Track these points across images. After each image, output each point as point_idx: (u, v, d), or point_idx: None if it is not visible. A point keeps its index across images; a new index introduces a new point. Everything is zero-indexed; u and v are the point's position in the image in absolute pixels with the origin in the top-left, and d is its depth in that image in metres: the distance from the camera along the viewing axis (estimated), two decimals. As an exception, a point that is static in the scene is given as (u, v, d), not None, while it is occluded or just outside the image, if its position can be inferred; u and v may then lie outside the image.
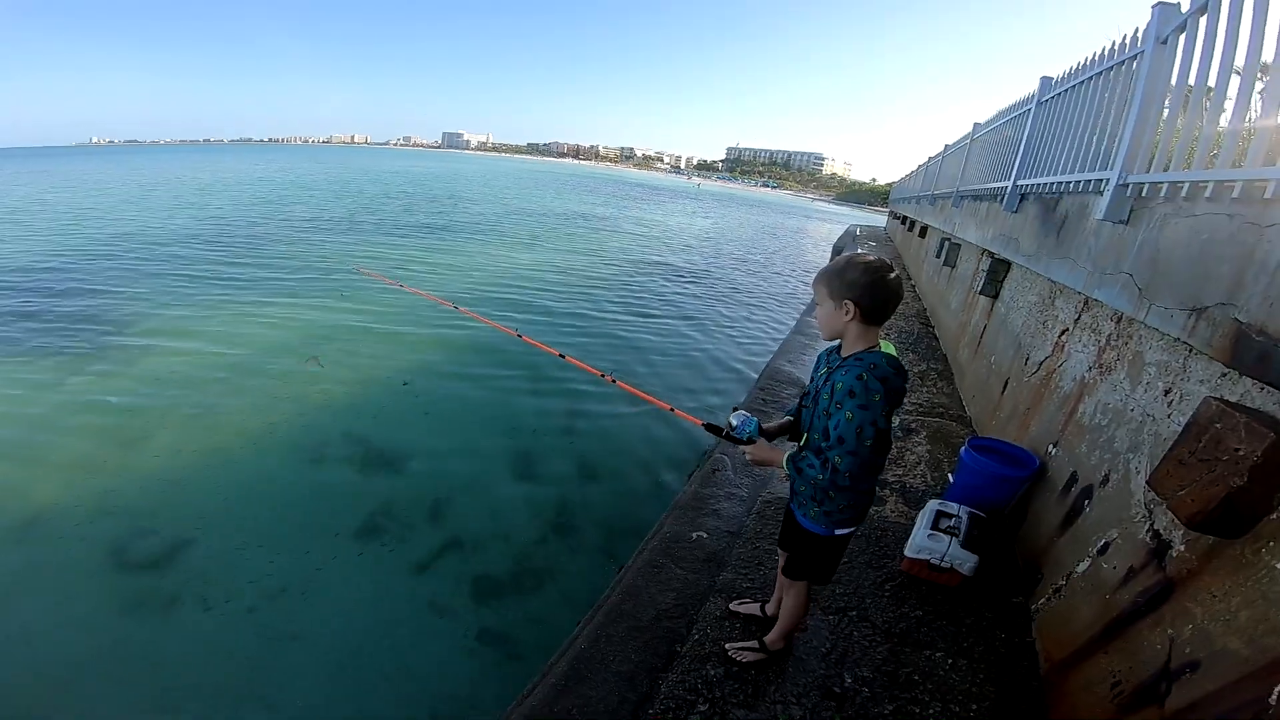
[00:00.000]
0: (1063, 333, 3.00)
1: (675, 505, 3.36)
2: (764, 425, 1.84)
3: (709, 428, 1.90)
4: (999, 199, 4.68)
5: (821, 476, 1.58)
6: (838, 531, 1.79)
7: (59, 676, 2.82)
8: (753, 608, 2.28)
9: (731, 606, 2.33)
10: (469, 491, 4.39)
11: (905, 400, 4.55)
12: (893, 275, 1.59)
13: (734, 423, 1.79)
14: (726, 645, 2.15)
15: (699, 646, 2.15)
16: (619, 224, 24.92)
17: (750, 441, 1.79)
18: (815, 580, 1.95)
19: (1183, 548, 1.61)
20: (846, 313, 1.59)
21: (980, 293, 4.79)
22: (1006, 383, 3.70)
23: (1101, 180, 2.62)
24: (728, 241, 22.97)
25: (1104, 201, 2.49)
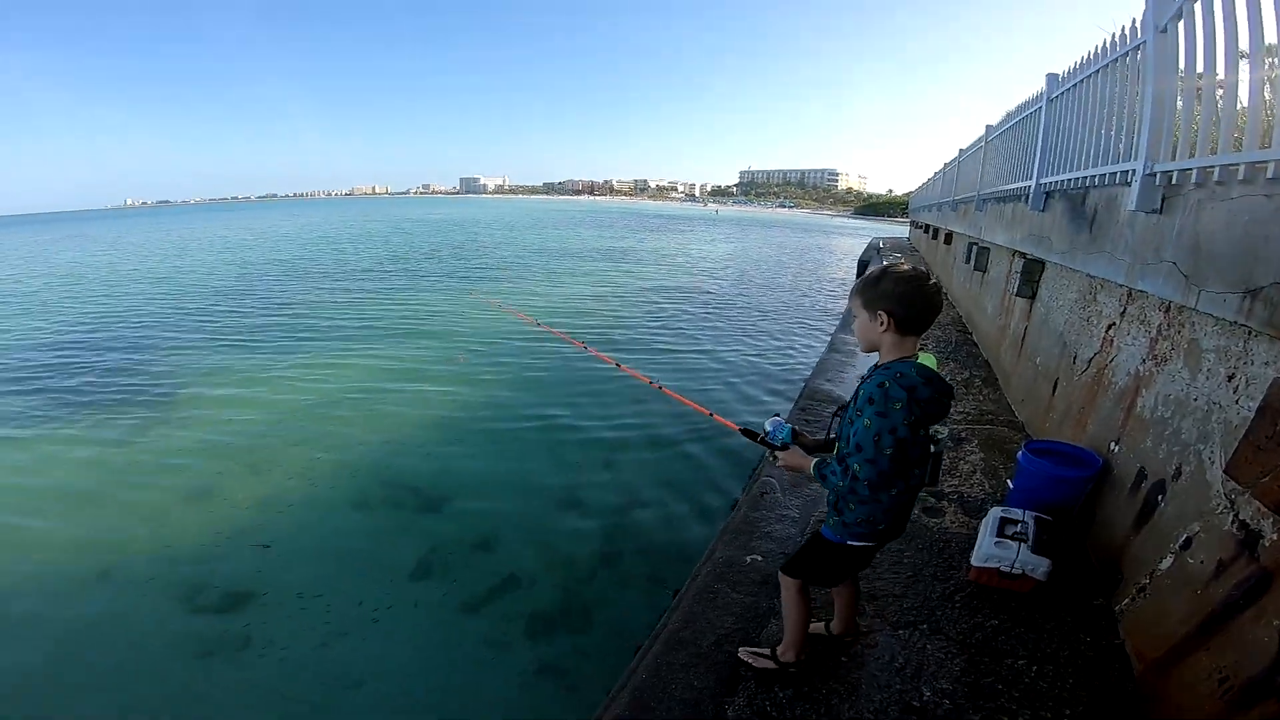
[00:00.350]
0: (1109, 327, 2.95)
1: (726, 530, 3.31)
2: (802, 437, 1.84)
3: (745, 432, 1.92)
4: (1023, 199, 4.65)
5: (841, 483, 1.59)
6: (851, 542, 1.74)
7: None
8: (817, 626, 2.24)
9: None
10: (516, 526, 4.44)
11: (953, 408, 4.45)
12: (929, 283, 1.57)
13: (768, 428, 1.80)
14: (740, 649, 2.13)
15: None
16: (639, 255, 25.25)
17: (784, 447, 1.79)
18: (809, 579, 1.92)
19: (1275, 536, 1.55)
20: (881, 323, 1.56)
21: (1017, 295, 4.72)
22: (1056, 383, 3.62)
23: (1128, 172, 2.60)
24: (750, 264, 23.13)
25: (1133, 192, 2.47)
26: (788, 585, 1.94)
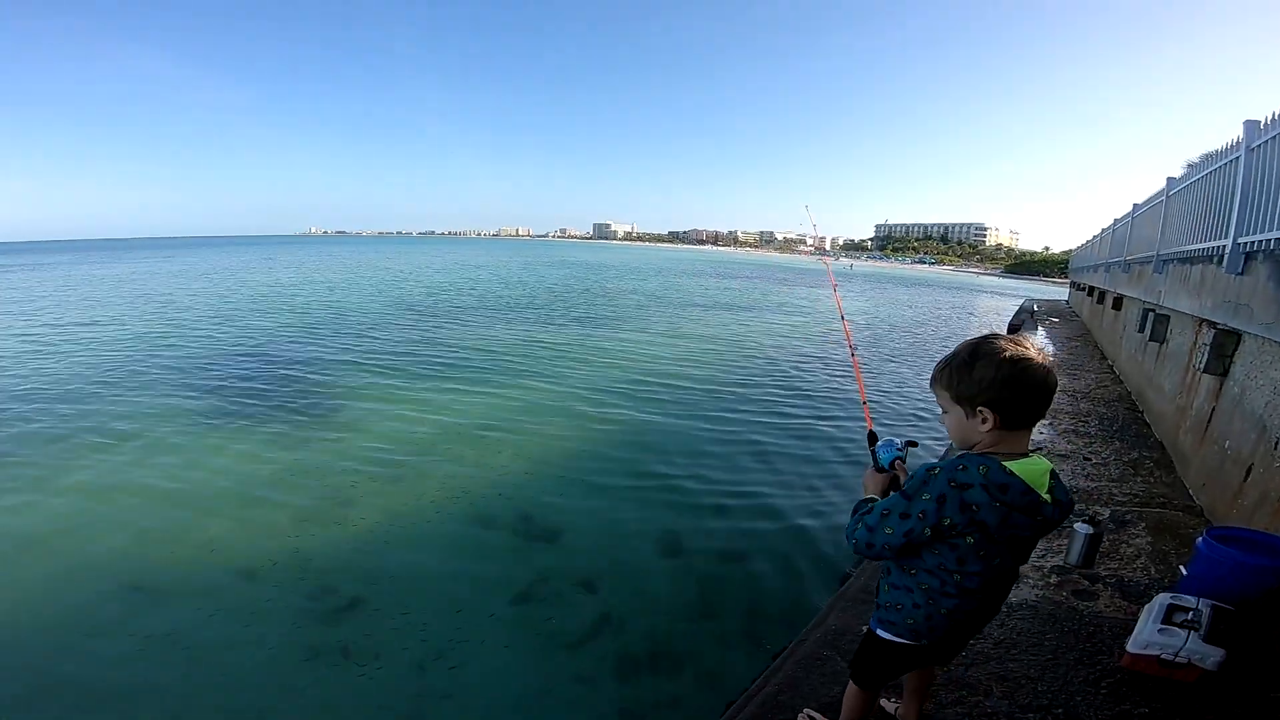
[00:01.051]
0: (1325, 411, 2.54)
1: (843, 595, 3.18)
2: (902, 469, 1.65)
3: (870, 436, 1.76)
4: (1216, 259, 4.14)
5: (846, 538, 1.45)
6: (880, 632, 1.52)
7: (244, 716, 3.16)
8: (890, 704, 2.04)
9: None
10: (620, 567, 4.46)
11: (1116, 490, 3.98)
12: (1037, 362, 1.24)
13: (879, 443, 1.67)
14: (805, 710, 2.02)
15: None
16: (787, 308, 25.10)
17: (877, 468, 1.61)
18: (855, 677, 1.68)
19: None
20: (984, 421, 1.26)
21: (1203, 370, 4.16)
22: (1249, 470, 3.14)
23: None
24: (883, 324, 22.04)
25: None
26: (850, 686, 1.74)
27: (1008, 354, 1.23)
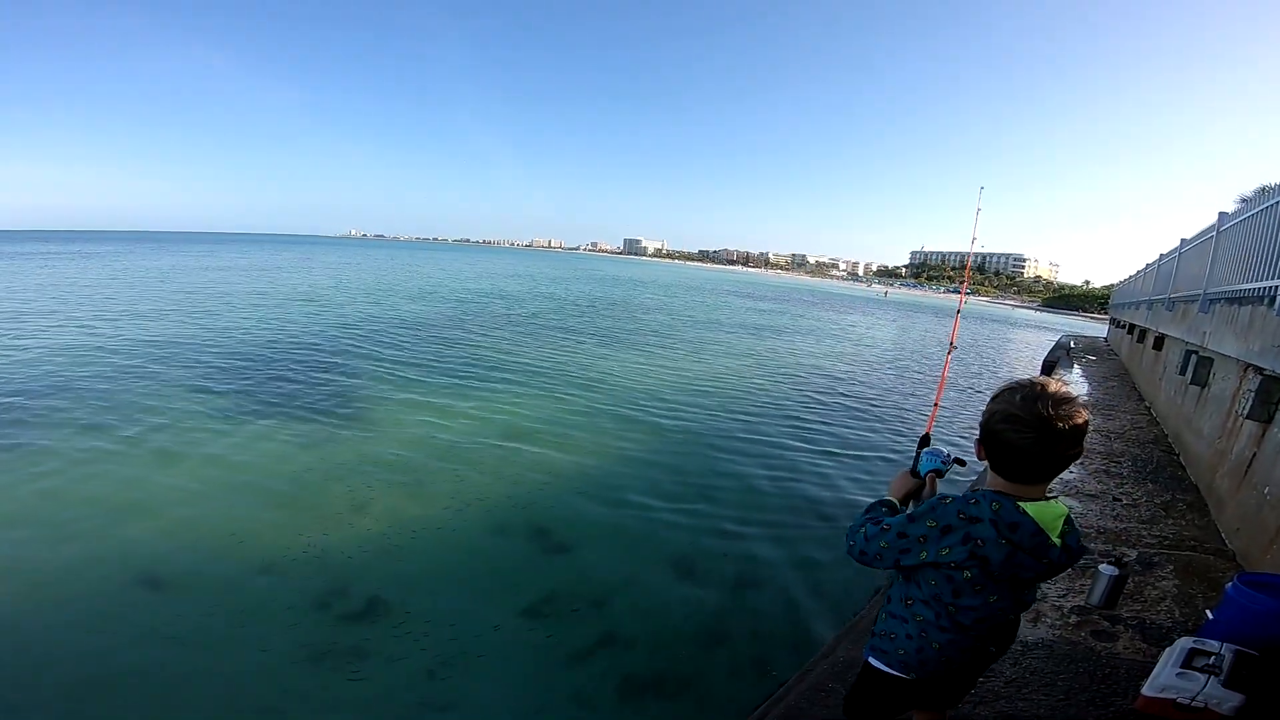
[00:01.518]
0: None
1: (852, 628, 3.12)
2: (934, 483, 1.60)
3: (923, 439, 1.70)
4: (1267, 300, 3.99)
5: (848, 530, 1.43)
6: (872, 660, 1.49)
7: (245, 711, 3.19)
8: None
9: None
10: (632, 586, 4.42)
11: (1146, 531, 3.83)
12: (1058, 426, 1.15)
13: (926, 448, 1.61)
14: None
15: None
16: (818, 332, 24.94)
17: (914, 473, 1.57)
18: (846, 709, 1.66)
19: None
20: (980, 455, 1.29)
21: (1247, 416, 3.99)
22: (1289, 518, 3.00)
23: None
24: (911, 355, 21.65)
25: None
26: None
27: (1025, 413, 1.17)
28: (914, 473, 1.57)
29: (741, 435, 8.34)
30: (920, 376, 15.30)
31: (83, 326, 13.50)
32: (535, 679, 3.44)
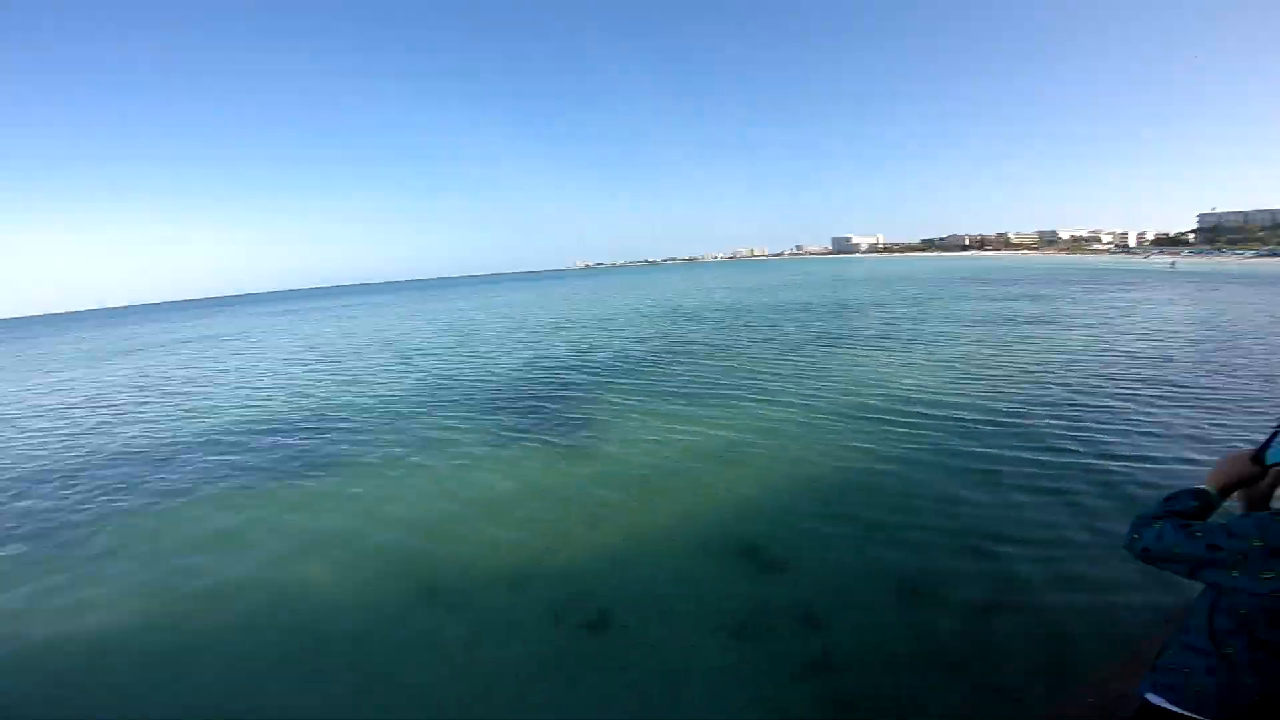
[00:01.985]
0: None
1: (1131, 658, 2.82)
2: None
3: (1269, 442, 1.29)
4: None
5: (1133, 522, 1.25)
6: (1150, 697, 1.29)
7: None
8: None
9: None
10: (851, 606, 4.31)
11: None
12: None
13: (1275, 441, 1.25)
14: None
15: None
16: (1074, 319, 21.17)
17: (1255, 458, 1.25)
18: None
19: None
20: None
21: None
22: None
23: None
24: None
25: None
26: None
27: None
28: (1256, 458, 1.26)
29: (982, 447, 7.51)
30: (1262, 358, 11.89)
31: (386, 364, 17.48)
32: (745, 698, 3.47)
